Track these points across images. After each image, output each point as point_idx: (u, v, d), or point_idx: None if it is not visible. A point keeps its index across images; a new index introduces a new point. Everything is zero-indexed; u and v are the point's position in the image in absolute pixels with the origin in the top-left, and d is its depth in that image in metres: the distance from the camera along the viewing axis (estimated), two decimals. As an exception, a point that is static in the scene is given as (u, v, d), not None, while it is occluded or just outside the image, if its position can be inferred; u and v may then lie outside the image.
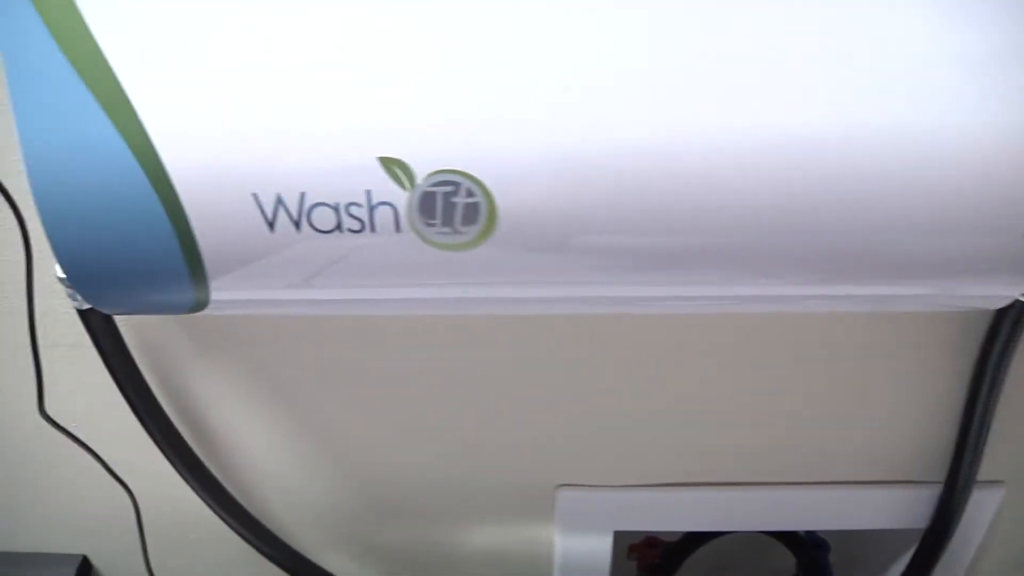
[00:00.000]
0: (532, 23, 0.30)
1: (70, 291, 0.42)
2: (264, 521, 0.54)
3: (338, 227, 0.32)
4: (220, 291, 0.35)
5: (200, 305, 0.36)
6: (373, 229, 0.32)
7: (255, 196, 0.31)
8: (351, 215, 0.32)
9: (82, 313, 0.43)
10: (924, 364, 0.49)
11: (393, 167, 0.31)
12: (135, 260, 0.34)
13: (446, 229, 0.32)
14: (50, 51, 0.30)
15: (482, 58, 0.30)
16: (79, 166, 0.31)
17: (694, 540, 0.66)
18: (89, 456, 0.46)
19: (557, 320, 0.47)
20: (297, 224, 0.32)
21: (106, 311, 0.40)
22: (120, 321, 0.44)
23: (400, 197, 0.31)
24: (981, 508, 0.55)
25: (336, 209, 0.31)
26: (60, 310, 0.46)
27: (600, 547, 0.57)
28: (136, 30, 0.30)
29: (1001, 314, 0.45)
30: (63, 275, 0.41)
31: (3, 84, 0.39)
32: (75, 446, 0.46)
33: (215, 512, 0.51)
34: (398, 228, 0.32)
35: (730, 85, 0.30)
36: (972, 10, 0.30)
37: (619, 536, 0.58)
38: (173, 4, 0.30)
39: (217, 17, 0.30)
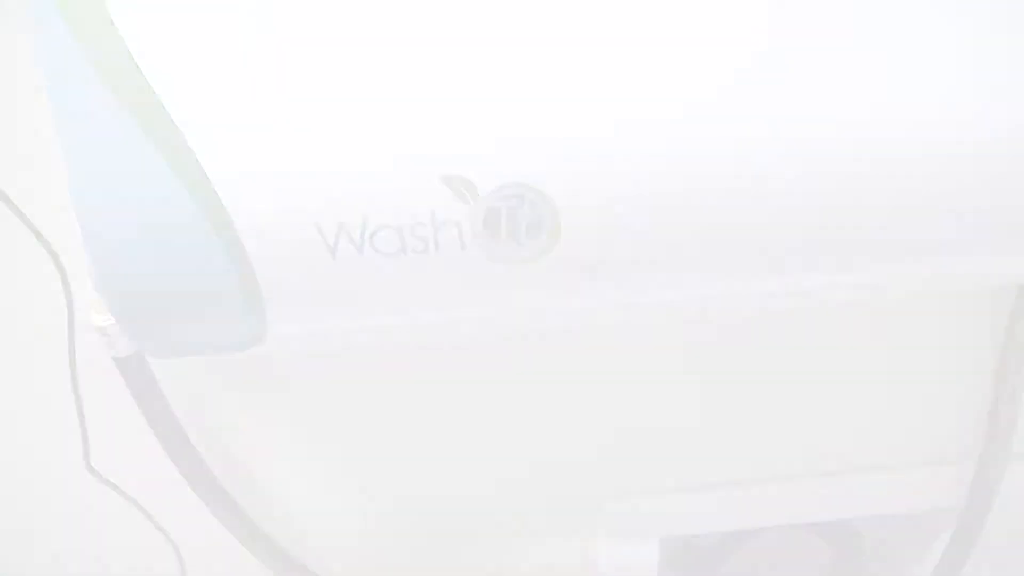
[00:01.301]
0: (583, 35, 0.30)
1: (106, 339, 0.41)
2: (308, 563, 0.53)
3: (402, 249, 0.32)
4: (278, 324, 0.34)
5: (256, 340, 0.35)
6: (437, 248, 0.32)
7: (316, 224, 0.31)
8: (415, 236, 0.31)
9: (118, 361, 0.41)
10: (950, 341, 0.50)
11: (457, 184, 0.30)
12: (189, 297, 0.33)
13: (511, 243, 0.32)
14: (97, 89, 0.29)
15: (535, 68, 0.30)
16: (131, 205, 0.31)
17: (728, 543, 0.66)
18: (128, 510, 0.45)
19: (593, 333, 0.47)
20: (360, 248, 0.31)
21: (156, 355, 0.38)
22: (155, 367, 0.43)
23: (465, 214, 0.31)
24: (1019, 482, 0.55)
25: (400, 231, 0.31)
26: (92, 359, 0.44)
27: (647, 555, 0.56)
28: (184, 61, 0.30)
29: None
30: (100, 323, 0.40)
31: (36, 132, 0.38)
32: (114, 501, 0.44)
33: (259, 558, 0.50)
34: (463, 246, 0.32)
35: (782, 90, 0.31)
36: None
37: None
38: (223, 35, 0.30)
39: (268, 46, 0.30)
